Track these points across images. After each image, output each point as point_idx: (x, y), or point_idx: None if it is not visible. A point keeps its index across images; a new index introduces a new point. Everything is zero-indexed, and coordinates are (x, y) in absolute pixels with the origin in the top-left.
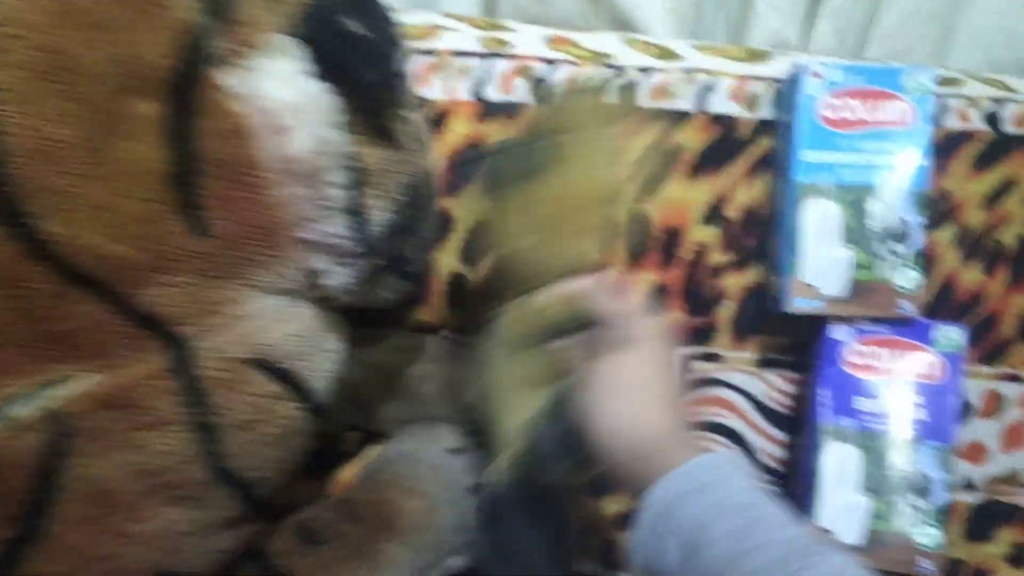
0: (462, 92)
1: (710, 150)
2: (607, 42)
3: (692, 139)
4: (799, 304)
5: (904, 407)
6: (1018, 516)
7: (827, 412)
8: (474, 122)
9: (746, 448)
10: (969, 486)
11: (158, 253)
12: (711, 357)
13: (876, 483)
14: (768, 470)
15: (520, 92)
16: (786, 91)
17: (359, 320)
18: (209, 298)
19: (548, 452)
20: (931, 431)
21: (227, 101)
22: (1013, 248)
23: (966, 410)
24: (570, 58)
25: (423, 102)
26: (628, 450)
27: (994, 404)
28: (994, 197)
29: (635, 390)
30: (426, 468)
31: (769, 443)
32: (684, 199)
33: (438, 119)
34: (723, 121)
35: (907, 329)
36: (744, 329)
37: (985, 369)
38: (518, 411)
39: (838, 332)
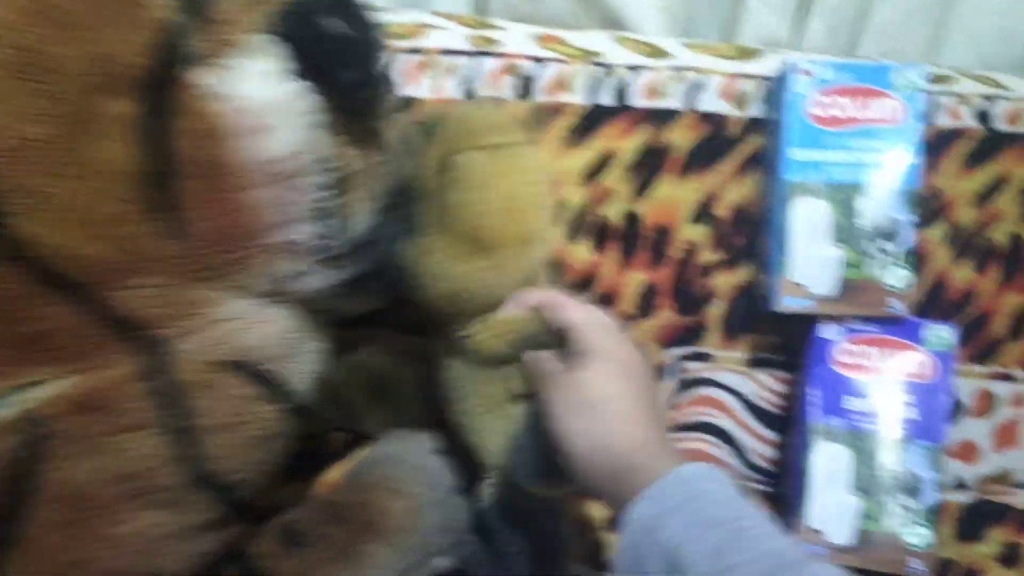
0: (450, 90)
1: (700, 148)
2: (597, 40)
3: (681, 137)
4: (788, 303)
5: (894, 406)
6: (1009, 516)
7: (817, 412)
8: None
9: (736, 448)
10: (960, 486)
11: (134, 254)
12: (701, 356)
13: (866, 483)
14: (758, 470)
15: (508, 90)
16: (775, 89)
17: (341, 322)
18: (186, 300)
19: (529, 471)
20: (922, 431)
21: (204, 101)
22: (1004, 246)
23: (957, 409)
24: (559, 56)
25: (409, 102)
26: (602, 469)
27: (986, 403)
28: (985, 195)
29: (601, 406)
30: (411, 469)
31: (759, 443)
32: (674, 198)
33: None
34: (713, 119)
35: (897, 328)
36: (734, 328)
37: (976, 368)
38: (496, 431)
39: (828, 331)
